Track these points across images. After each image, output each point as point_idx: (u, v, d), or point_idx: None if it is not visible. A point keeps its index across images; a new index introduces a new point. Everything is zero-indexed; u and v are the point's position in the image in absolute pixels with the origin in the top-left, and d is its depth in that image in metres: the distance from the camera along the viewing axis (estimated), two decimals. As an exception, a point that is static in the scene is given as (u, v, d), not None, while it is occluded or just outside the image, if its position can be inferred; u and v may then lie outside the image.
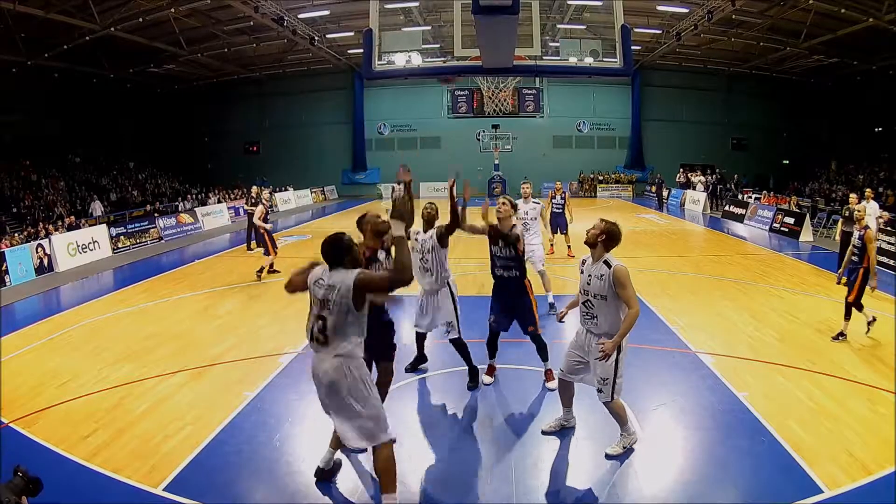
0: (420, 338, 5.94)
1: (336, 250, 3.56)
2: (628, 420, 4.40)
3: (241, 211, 21.02)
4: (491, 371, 5.77)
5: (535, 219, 8.84)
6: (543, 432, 4.72)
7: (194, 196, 25.83)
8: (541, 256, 8.45)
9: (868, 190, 11.67)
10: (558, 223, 12.44)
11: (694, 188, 25.15)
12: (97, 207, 18.98)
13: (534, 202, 8.98)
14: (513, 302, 5.42)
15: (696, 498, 3.82)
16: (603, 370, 4.21)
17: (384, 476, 3.60)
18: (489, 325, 5.55)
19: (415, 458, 4.41)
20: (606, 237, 4.20)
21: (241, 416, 5.07)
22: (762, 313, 8.06)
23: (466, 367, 5.69)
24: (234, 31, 23.53)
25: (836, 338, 6.87)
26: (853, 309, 6.88)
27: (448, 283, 5.55)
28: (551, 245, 12.75)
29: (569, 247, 12.50)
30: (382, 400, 3.88)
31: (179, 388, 5.79)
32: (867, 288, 6.88)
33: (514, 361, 6.11)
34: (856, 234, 7.00)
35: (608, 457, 4.33)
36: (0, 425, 4.92)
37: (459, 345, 5.56)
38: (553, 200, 12.50)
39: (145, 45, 22.07)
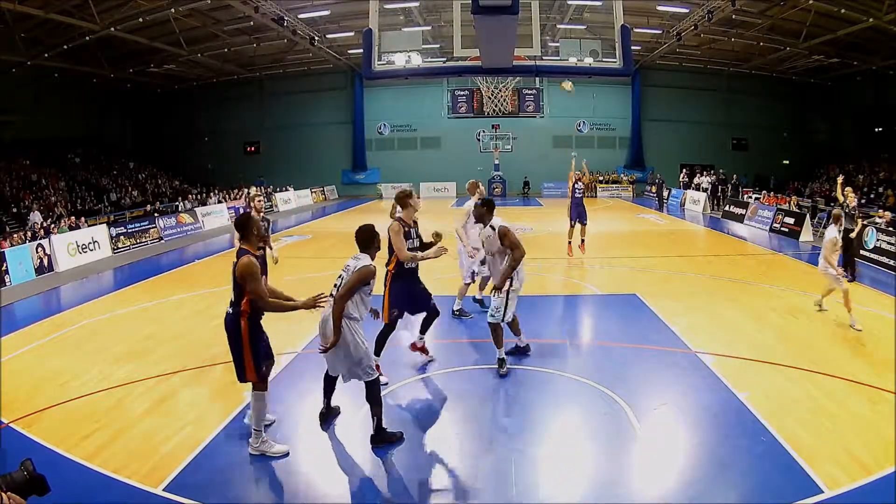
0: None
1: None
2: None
3: (242, 211, 21.00)
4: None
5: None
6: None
7: (194, 196, 25.83)
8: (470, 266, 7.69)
9: (847, 189, 11.84)
10: (580, 212, 11.82)
11: (698, 188, 25.18)
12: (36, 216, 17.32)
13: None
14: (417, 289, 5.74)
15: (696, 498, 3.82)
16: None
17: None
18: (393, 318, 5.68)
19: (415, 458, 4.42)
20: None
21: (241, 416, 5.06)
22: (762, 313, 8.06)
23: (467, 367, 5.73)
24: (234, 31, 23.53)
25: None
26: None
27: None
28: (569, 243, 12.09)
29: (583, 240, 12.03)
30: None
31: (179, 388, 5.78)
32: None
33: (513, 361, 6.12)
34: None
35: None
36: (0, 425, 4.92)
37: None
38: (575, 186, 11.85)
39: (145, 45, 22.08)
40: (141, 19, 19.07)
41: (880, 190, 21.28)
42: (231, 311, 4.39)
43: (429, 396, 5.52)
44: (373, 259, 4.55)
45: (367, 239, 4.59)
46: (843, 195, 10.79)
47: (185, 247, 16.46)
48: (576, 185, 11.92)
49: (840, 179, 11.95)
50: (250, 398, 4.51)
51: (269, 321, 7.59)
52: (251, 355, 4.36)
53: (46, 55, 20.58)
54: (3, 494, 2.57)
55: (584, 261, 12.03)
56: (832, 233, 7.52)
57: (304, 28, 22.99)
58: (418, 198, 5.88)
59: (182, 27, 21.32)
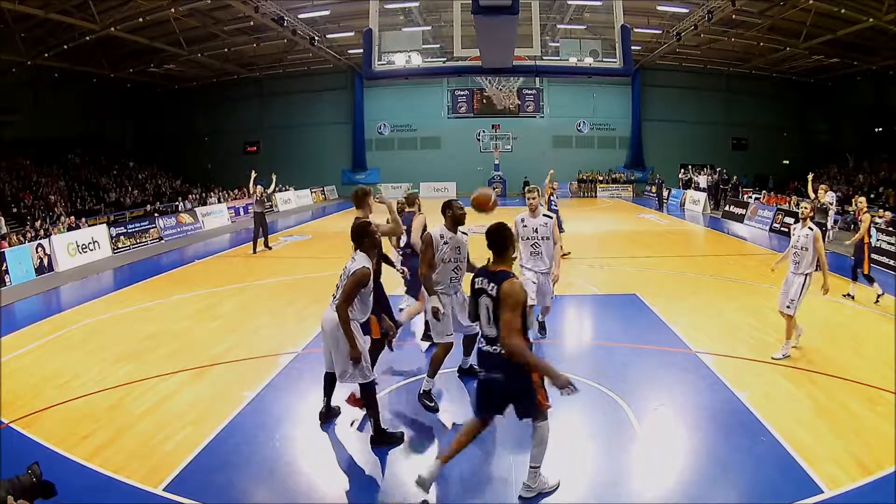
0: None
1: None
2: None
3: (247, 210, 20.98)
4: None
5: (548, 238, 6.38)
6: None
7: (195, 196, 25.84)
8: (549, 291, 6.57)
9: (823, 186, 12.08)
10: (559, 223, 11.84)
11: (696, 186, 25.20)
12: (1, 225, 16.60)
13: (545, 216, 6.48)
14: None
15: (696, 498, 3.82)
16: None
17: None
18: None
19: (415, 458, 4.41)
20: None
21: (241, 416, 5.06)
22: (762, 313, 8.05)
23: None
24: (234, 31, 23.54)
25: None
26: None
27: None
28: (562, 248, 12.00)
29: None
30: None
31: (179, 388, 5.78)
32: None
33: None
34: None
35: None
36: (0, 425, 4.92)
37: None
38: (551, 198, 11.63)
39: (145, 45, 22.08)
40: (141, 19, 19.07)
41: (880, 190, 21.29)
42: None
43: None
44: (372, 258, 4.53)
45: (359, 233, 4.51)
46: (813, 192, 11.22)
47: (185, 247, 16.46)
48: (552, 198, 11.72)
49: (810, 177, 12.50)
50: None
51: (272, 320, 7.54)
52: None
53: (46, 55, 20.58)
54: (10, 499, 2.56)
55: (584, 261, 12.03)
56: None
57: (304, 28, 22.98)
58: (376, 198, 5.27)
59: (182, 27, 21.31)
